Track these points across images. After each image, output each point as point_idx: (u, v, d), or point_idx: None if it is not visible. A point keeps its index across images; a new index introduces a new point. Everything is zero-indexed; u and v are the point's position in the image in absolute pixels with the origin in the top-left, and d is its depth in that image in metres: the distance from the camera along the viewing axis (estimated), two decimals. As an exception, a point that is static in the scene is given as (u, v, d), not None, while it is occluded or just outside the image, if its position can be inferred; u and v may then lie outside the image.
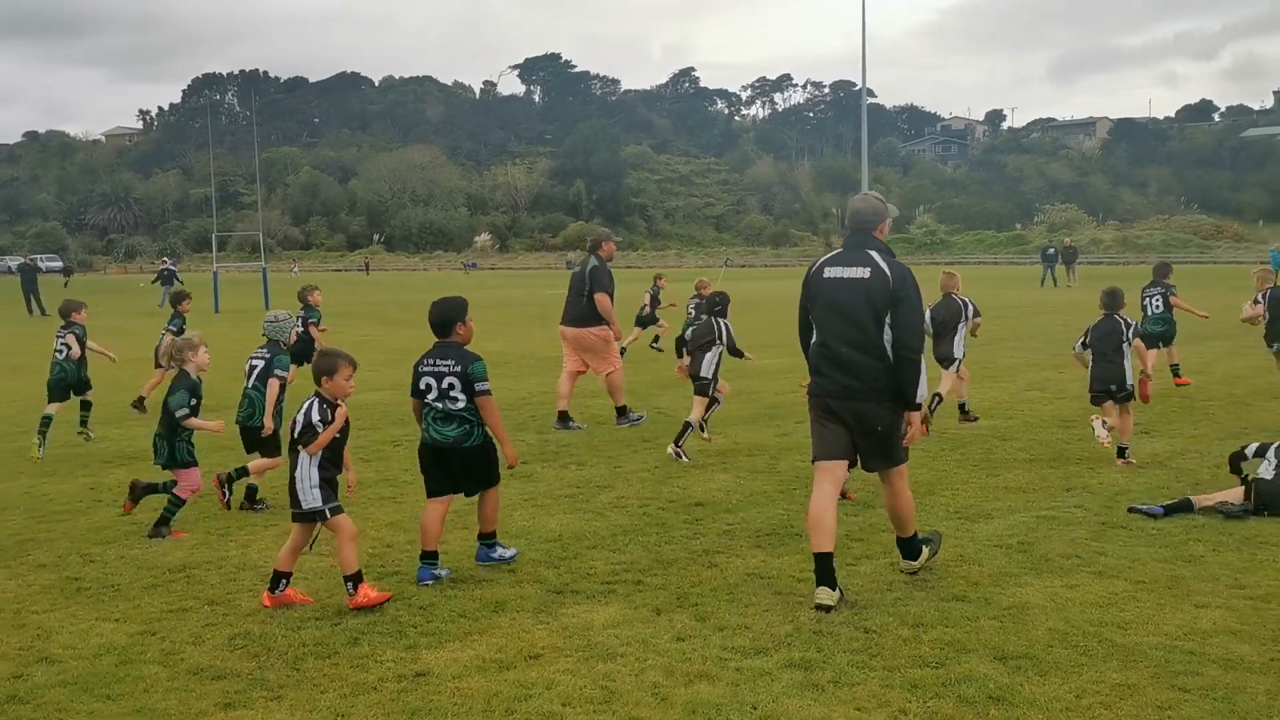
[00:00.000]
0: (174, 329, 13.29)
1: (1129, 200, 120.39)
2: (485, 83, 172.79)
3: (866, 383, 6.10)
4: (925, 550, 6.55)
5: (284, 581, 6.11)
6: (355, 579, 5.99)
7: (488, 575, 6.57)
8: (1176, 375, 14.59)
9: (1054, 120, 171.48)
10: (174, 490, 7.82)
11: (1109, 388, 9.82)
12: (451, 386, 6.52)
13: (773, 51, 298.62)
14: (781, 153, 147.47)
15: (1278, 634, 5.37)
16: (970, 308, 11.68)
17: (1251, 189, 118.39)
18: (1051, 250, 49.80)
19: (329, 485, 6.14)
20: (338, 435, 6.19)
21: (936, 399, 11.41)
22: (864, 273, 6.14)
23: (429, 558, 6.57)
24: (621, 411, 12.06)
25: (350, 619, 5.81)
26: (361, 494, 8.87)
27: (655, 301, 20.22)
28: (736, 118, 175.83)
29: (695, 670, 5.03)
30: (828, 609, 5.80)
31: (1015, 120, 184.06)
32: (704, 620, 5.72)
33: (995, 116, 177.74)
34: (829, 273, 6.27)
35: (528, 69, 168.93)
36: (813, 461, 6.35)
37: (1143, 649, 5.19)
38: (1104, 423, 9.52)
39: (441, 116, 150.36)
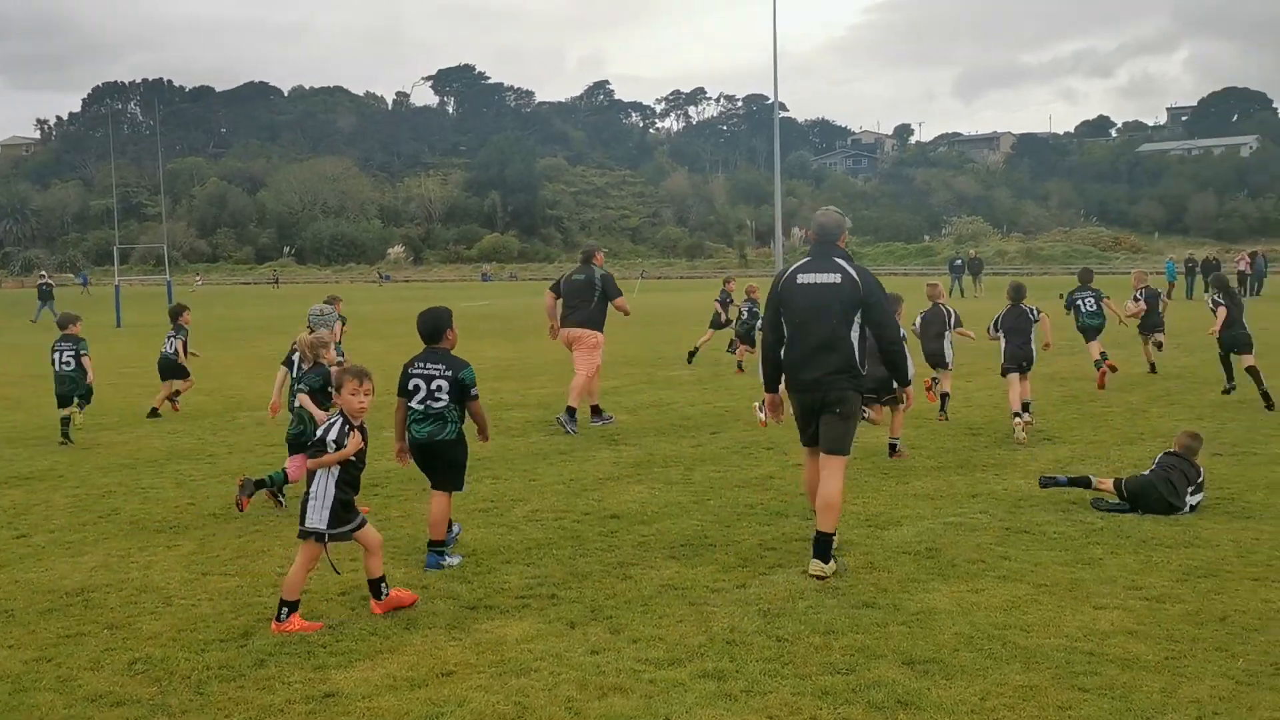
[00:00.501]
0: (179, 340, 14.41)
1: (1032, 213, 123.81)
2: (398, 94, 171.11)
3: (833, 372, 6.81)
4: (834, 562, 6.68)
5: (384, 587, 6.14)
6: (293, 606, 5.87)
7: (399, 592, 6.48)
8: (1100, 367, 15.53)
9: (960, 135, 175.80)
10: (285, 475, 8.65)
11: (1020, 364, 11.89)
12: (439, 389, 6.99)
13: (686, 65, 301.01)
14: (696, 165, 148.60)
15: (1172, 633, 5.55)
16: (954, 316, 12.83)
17: (1147, 202, 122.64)
18: (959, 261, 50.95)
19: (343, 508, 5.98)
20: (352, 459, 6.02)
21: (944, 398, 12.94)
22: (835, 278, 6.85)
23: (437, 545, 7.10)
24: (571, 413, 12.57)
25: (257, 640, 5.68)
26: (269, 512, 8.70)
27: (726, 305, 20.39)
28: (651, 130, 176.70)
29: (609, 683, 5.02)
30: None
31: (923, 134, 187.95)
32: (618, 633, 5.71)
33: (903, 131, 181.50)
34: (802, 279, 6.96)
35: (441, 80, 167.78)
36: (802, 444, 7.27)
37: (1044, 651, 5.33)
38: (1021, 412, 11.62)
39: (353, 127, 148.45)
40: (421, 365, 7.07)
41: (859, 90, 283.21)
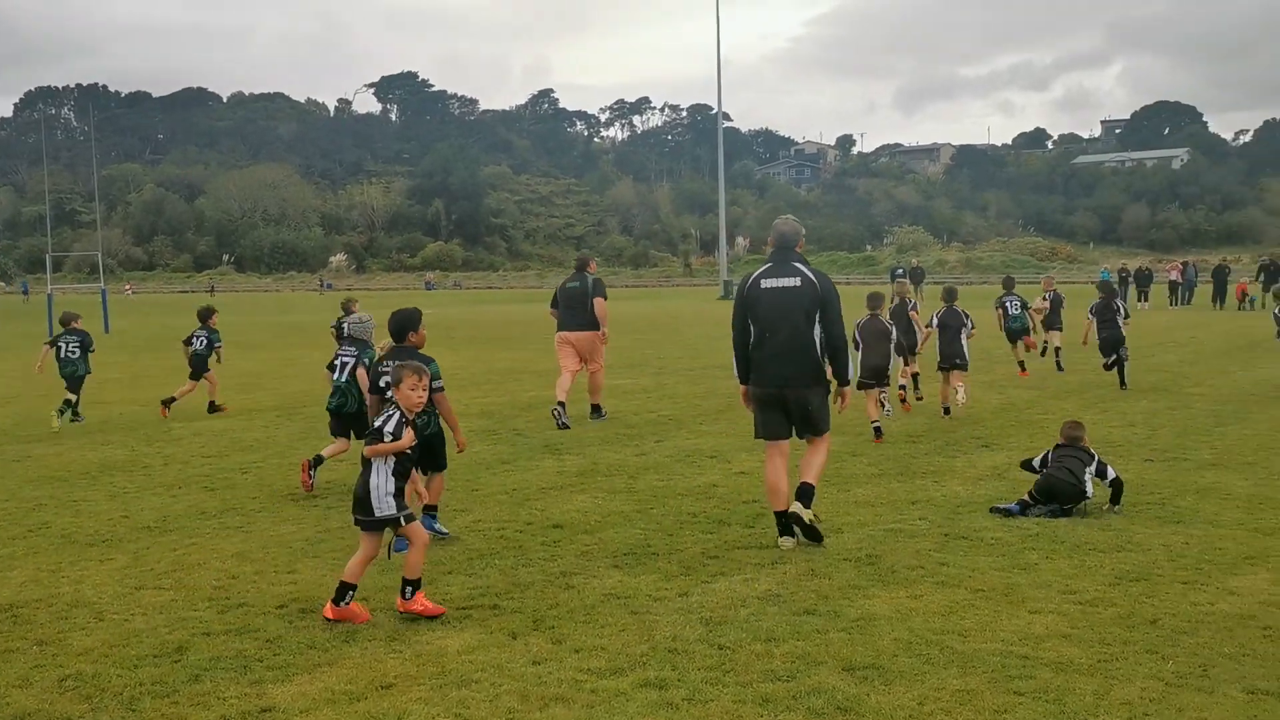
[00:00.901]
0: (204, 337, 15.43)
1: (971, 223, 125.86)
2: (340, 100, 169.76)
3: (801, 371, 7.50)
4: (813, 510, 7.50)
5: (350, 594, 6.10)
6: (416, 584, 6.12)
7: (339, 605, 6.40)
8: (1023, 368, 18.03)
9: (900, 146, 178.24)
10: None
11: (954, 361, 13.28)
12: None
13: (631, 74, 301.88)
14: (640, 174, 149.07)
15: (1104, 636, 5.66)
16: (913, 303, 15.14)
17: (1082, 213, 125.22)
18: (900, 270, 51.48)
19: (402, 495, 6.24)
20: (408, 451, 6.26)
21: (915, 377, 14.39)
22: (796, 282, 7.54)
23: (431, 509, 7.88)
24: (596, 409, 13.95)
25: (191, 655, 5.58)
26: (206, 524, 8.57)
27: None
28: (596, 139, 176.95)
29: (550, 694, 5.00)
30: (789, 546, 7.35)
31: (864, 145, 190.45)
32: (560, 643, 5.69)
33: (846, 141, 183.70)
34: (766, 284, 7.61)
35: (384, 87, 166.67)
36: (757, 438, 7.85)
37: (981, 655, 5.40)
38: (960, 387, 13.14)
39: (294, 134, 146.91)
40: (390, 364, 7.52)
41: (802, 101, 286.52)
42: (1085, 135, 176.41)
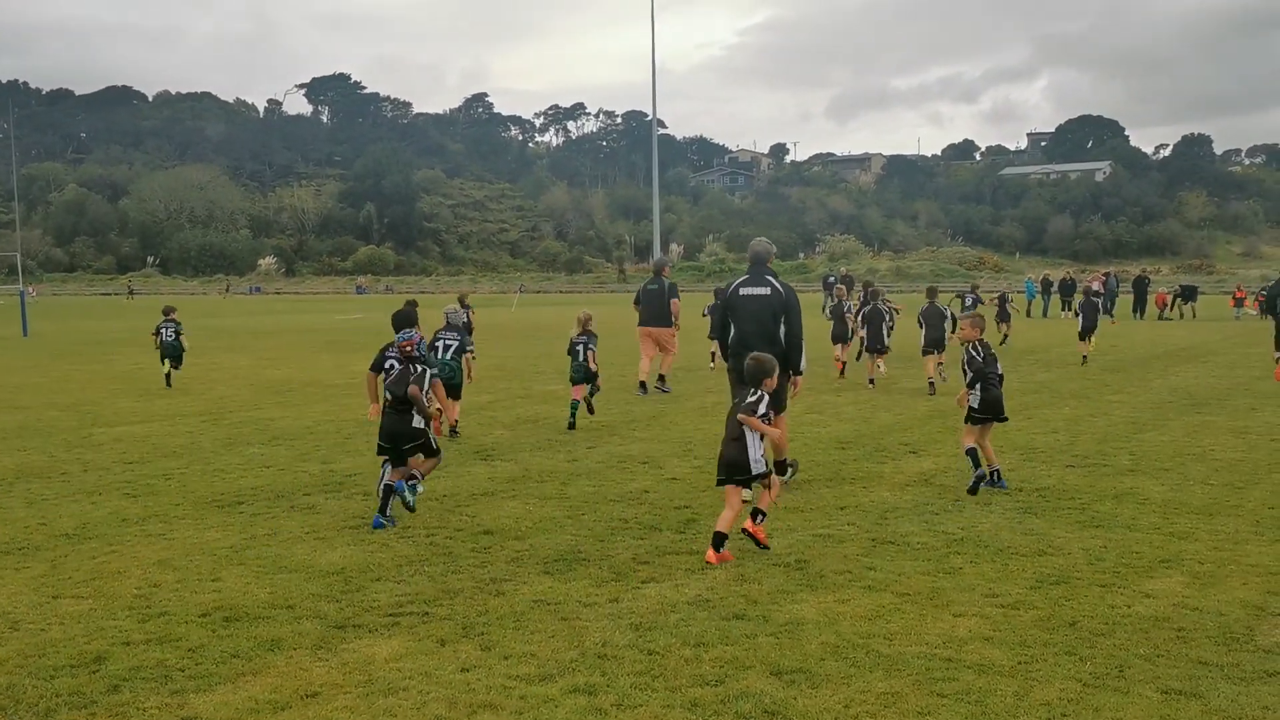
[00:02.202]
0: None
1: (901, 232, 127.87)
2: (270, 101, 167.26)
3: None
4: (789, 470, 9.35)
5: (724, 542, 7.31)
6: (765, 514, 7.64)
7: (263, 613, 6.31)
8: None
9: (833, 155, 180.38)
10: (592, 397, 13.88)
11: (874, 347, 18.04)
12: None
13: (567, 80, 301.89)
14: (575, 180, 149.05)
15: (1025, 638, 5.78)
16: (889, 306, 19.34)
17: (1009, 223, 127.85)
18: (832, 279, 52.09)
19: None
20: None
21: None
22: (766, 291, 9.54)
23: (412, 478, 8.85)
24: (661, 379, 17.40)
25: (110, 665, 5.45)
26: (127, 531, 8.39)
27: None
28: (531, 145, 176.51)
29: (479, 700, 4.98)
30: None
31: (798, 154, 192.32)
32: (489, 649, 5.67)
33: (779, 150, 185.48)
34: (744, 291, 9.63)
35: (315, 89, 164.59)
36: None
37: (906, 658, 5.49)
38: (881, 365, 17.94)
39: (222, 135, 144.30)
40: (395, 350, 9.00)
41: (736, 109, 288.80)
42: (1012, 147, 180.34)
